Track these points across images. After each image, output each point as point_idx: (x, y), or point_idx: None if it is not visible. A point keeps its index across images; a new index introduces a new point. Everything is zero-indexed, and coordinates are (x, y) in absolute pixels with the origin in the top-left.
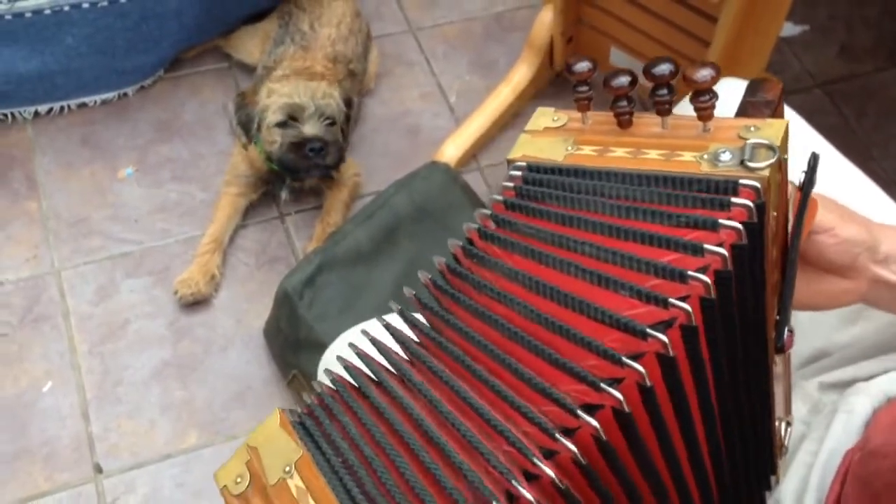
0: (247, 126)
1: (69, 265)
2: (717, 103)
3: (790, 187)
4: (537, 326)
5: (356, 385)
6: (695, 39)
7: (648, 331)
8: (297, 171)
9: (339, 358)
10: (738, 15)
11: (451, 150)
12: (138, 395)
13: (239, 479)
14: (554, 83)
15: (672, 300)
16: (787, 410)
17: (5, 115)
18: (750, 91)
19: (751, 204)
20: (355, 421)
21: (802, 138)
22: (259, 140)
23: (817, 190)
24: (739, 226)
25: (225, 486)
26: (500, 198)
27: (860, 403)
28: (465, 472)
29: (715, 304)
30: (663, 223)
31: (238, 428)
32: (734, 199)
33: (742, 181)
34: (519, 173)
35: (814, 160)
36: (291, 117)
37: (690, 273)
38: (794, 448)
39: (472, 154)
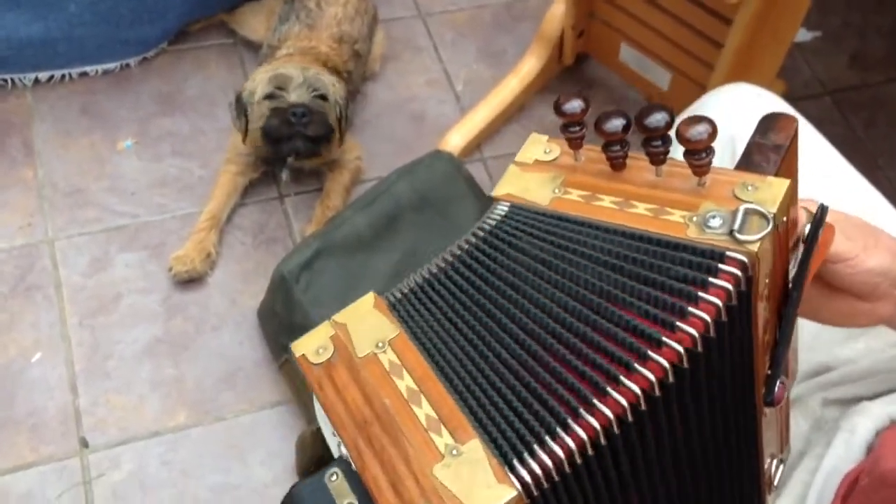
0: (241, 118)
1: (63, 235)
2: (730, 111)
3: (803, 214)
4: (569, 312)
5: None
6: (707, 41)
7: (664, 339)
8: (281, 142)
9: (405, 283)
10: (755, 18)
11: (455, 139)
12: (128, 370)
13: (321, 350)
14: (561, 77)
15: (679, 324)
16: (781, 448)
17: (5, 81)
18: (761, 129)
19: (738, 273)
20: (449, 308)
21: (811, 147)
22: (250, 128)
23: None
24: (719, 301)
25: (303, 354)
26: (488, 226)
27: (862, 424)
28: (562, 376)
29: (701, 358)
30: (646, 281)
31: (227, 409)
32: (721, 266)
33: (729, 253)
34: (503, 212)
35: (821, 212)
36: (279, 87)
37: (692, 310)
38: (792, 464)
39: (477, 144)
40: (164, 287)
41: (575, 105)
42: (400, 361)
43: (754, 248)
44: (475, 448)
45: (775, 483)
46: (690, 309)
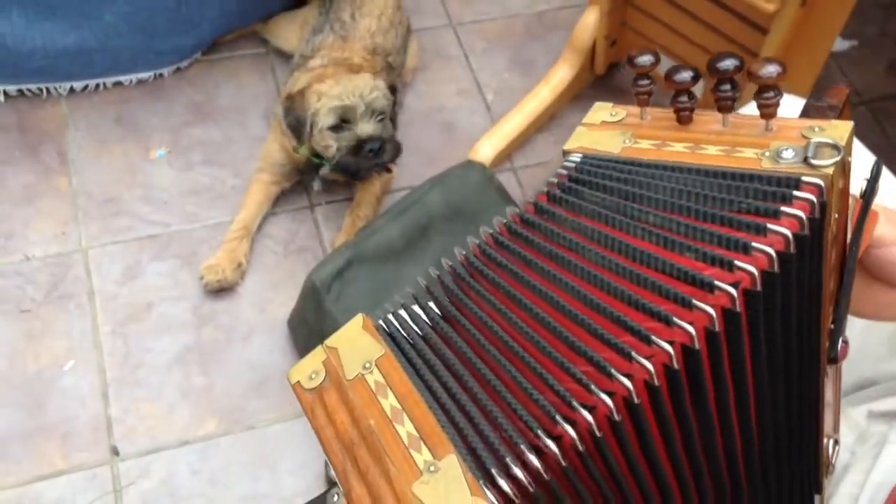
0: (297, 130)
1: (97, 244)
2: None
3: (850, 199)
4: (608, 272)
5: (436, 304)
6: (743, 51)
7: (716, 283)
8: (358, 172)
9: (394, 300)
10: (791, 27)
11: (485, 149)
12: (159, 378)
13: (314, 375)
14: (593, 86)
15: (738, 262)
16: (836, 429)
17: (40, 90)
18: (814, 96)
19: (813, 198)
20: (438, 328)
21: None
22: (307, 143)
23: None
24: (802, 214)
25: (298, 381)
26: (564, 171)
27: None
28: (548, 382)
29: (777, 281)
30: (724, 208)
31: (257, 418)
32: (795, 193)
33: (804, 178)
34: (574, 162)
35: (877, 168)
36: (344, 119)
37: (755, 244)
38: (838, 478)
39: (507, 154)
40: (196, 296)
41: (646, 58)
42: (385, 381)
43: (829, 171)
44: (452, 464)
45: (833, 463)
46: (755, 244)
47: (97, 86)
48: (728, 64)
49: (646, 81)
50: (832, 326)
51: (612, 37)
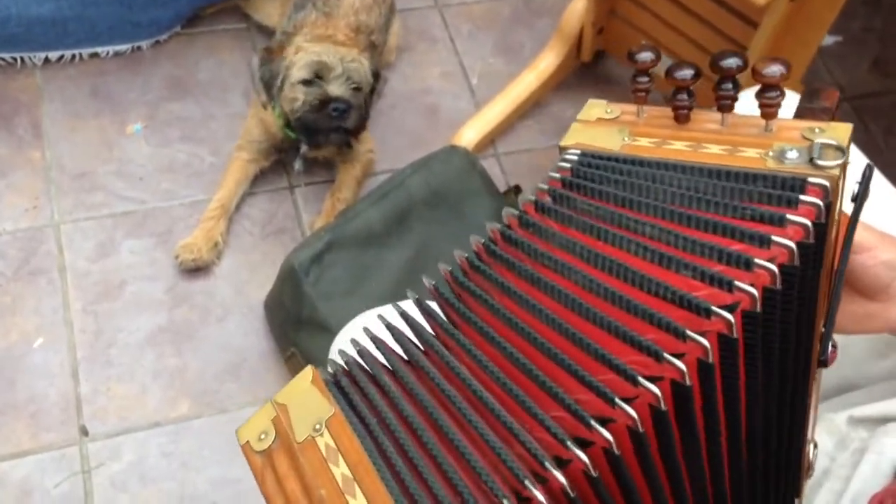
0: (269, 83)
1: (69, 219)
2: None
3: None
4: (595, 297)
5: (382, 357)
6: (732, 44)
7: (714, 309)
8: (317, 133)
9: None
10: (781, 22)
11: (469, 134)
12: (131, 358)
13: (263, 436)
14: (578, 74)
15: (738, 283)
16: (813, 432)
17: (14, 59)
18: (807, 98)
19: (819, 202)
20: (391, 382)
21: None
22: (278, 102)
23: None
24: (808, 222)
25: (247, 441)
26: (556, 175)
27: (891, 445)
28: (518, 436)
29: (778, 298)
30: (727, 214)
31: (230, 401)
32: (801, 197)
33: (810, 179)
34: (573, 160)
35: (869, 171)
36: (317, 75)
37: (758, 261)
38: (817, 484)
39: (491, 140)
40: (170, 275)
41: (646, 55)
42: (336, 445)
43: (835, 172)
44: None
45: (813, 466)
46: (757, 260)
47: (73, 57)
48: (731, 62)
49: (645, 78)
50: (823, 329)
51: (600, 24)
